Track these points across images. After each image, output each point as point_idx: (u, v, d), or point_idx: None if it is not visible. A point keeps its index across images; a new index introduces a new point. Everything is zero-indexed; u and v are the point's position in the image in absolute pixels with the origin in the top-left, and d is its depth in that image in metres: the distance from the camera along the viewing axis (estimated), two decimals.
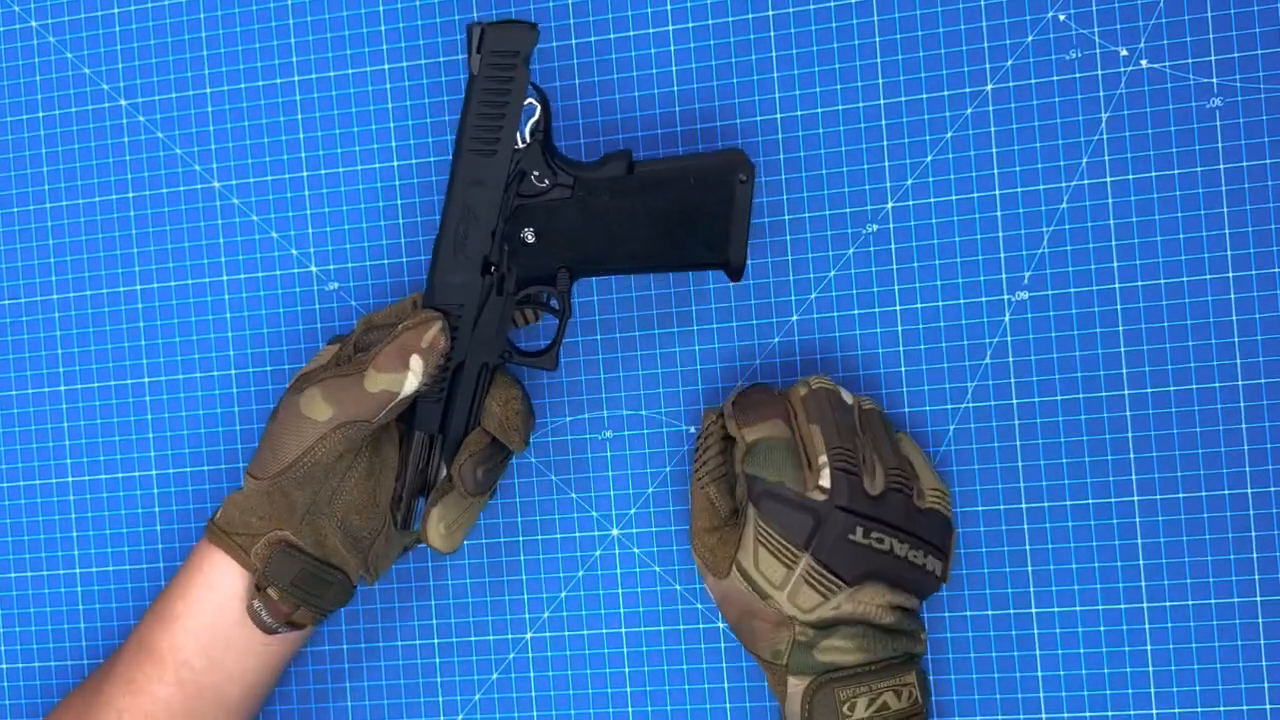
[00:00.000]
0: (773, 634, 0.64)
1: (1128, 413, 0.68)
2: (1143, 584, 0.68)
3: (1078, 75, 0.68)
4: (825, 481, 0.62)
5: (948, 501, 0.66)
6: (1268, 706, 0.67)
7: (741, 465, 0.64)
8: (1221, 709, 0.68)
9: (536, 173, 0.64)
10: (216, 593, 0.66)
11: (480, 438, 0.68)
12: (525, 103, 0.64)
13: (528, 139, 0.64)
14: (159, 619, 0.67)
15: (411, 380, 0.64)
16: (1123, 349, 0.68)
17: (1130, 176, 0.68)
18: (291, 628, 0.67)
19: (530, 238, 0.65)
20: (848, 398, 0.66)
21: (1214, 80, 0.67)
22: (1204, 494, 0.68)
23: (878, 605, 0.63)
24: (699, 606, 0.72)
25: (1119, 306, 0.68)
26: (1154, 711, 0.68)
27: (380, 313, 0.68)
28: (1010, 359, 0.69)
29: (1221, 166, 0.67)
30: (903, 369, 0.70)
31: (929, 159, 0.70)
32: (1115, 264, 0.68)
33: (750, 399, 0.66)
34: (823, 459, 0.63)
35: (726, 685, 0.72)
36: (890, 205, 0.70)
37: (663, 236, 0.65)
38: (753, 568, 0.63)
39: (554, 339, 0.67)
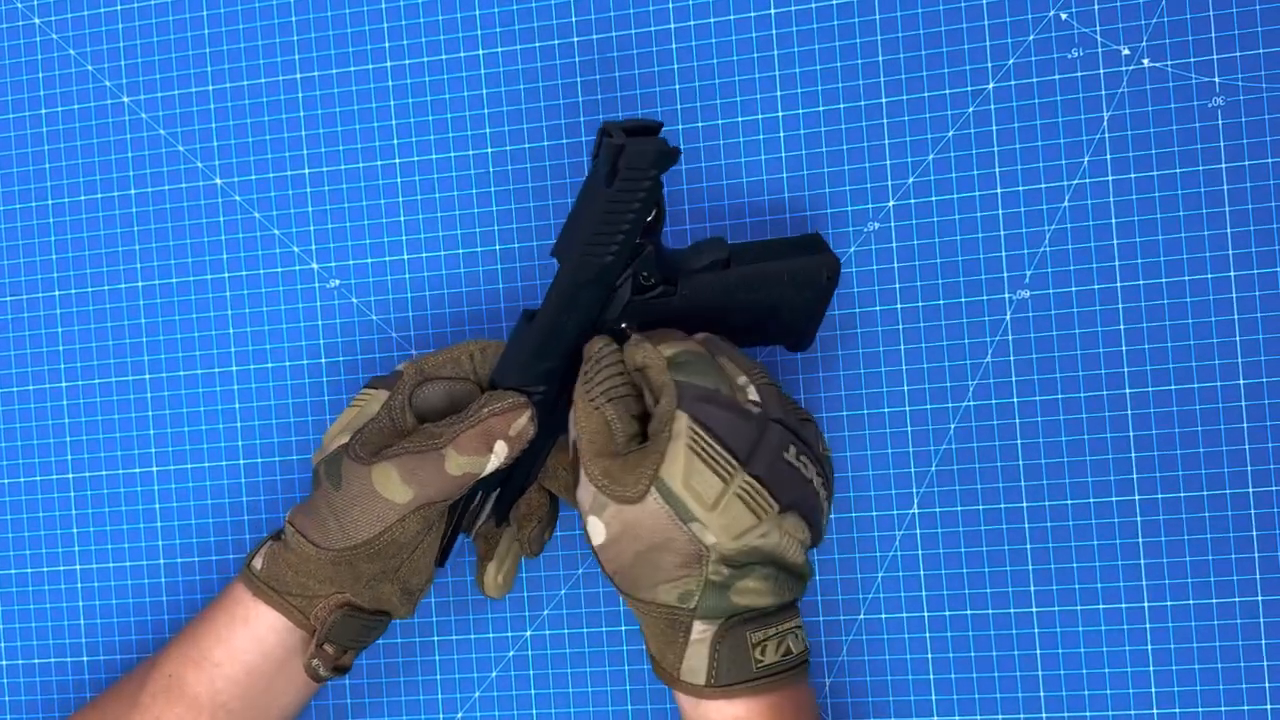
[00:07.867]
0: (682, 572, 0.59)
1: (1128, 412, 0.68)
2: (1143, 584, 0.68)
3: (1079, 74, 0.68)
4: (754, 395, 0.60)
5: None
6: (1268, 706, 0.67)
7: (663, 377, 0.60)
8: (1222, 709, 0.67)
9: (645, 273, 0.64)
10: (264, 644, 0.65)
11: (542, 500, 0.68)
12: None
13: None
14: (194, 664, 0.65)
15: (494, 461, 0.63)
16: (1123, 348, 0.68)
17: (1132, 175, 0.68)
18: (338, 673, 0.66)
19: (629, 331, 0.65)
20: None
21: (1216, 79, 0.67)
22: (1204, 493, 0.67)
23: (798, 539, 0.60)
24: None
25: (1120, 305, 0.68)
26: (1154, 711, 0.68)
27: (431, 359, 0.66)
28: (1011, 358, 0.69)
29: (1223, 166, 0.67)
30: (903, 368, 0.70)
31: (930, 157, 0.70)
32: (1116, 263, 0.68)
33: (651, 333, 0.63)
34: (742, 379, 0.61)
35: None
36: (891, 204, 0.70)
37: (751, 325, 0.66)
38: (681, 484, 0.58)
39: None
